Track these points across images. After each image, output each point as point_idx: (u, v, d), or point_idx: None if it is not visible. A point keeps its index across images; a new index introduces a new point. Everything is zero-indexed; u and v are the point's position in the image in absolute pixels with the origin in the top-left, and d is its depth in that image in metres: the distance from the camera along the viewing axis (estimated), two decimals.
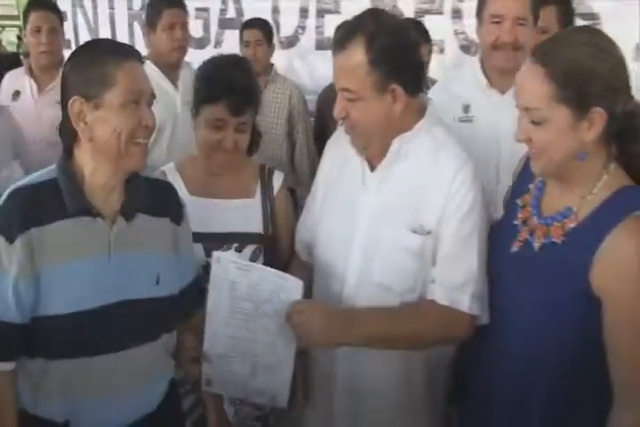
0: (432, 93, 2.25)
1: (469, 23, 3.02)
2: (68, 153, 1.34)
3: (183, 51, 2.71)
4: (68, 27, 4.90)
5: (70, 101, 1.27)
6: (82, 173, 1.32)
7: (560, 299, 1.29)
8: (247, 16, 3.74)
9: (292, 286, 1.46)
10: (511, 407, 1.40)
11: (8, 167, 2.51)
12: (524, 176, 1.47)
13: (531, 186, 1.44)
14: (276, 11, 3.76)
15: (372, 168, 1.53)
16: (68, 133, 1.32)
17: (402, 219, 1.48)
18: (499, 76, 1.99)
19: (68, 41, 4.92)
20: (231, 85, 1.60)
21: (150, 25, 2.69)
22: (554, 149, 1.26)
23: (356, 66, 1.38)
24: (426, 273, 1.49)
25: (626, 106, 1.24)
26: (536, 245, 1.34)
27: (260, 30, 3.32)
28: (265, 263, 1.65)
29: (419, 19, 3.12)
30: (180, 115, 2.57)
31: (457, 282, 1.45)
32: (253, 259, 1.69)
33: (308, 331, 1.41)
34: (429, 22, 3.04)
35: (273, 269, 1.49)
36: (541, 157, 1.29)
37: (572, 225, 1.30)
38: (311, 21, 3.64)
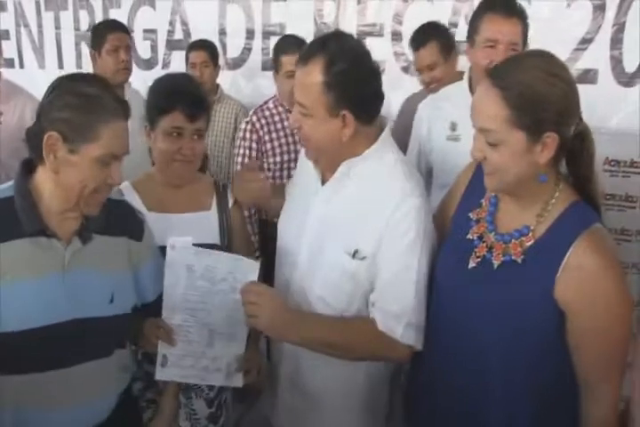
0: (422, 110, 2.31)
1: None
2: (29, 169, 1.32)
3: (128, 72, 2.87)
4: (10, 46, 4.81)
5: (47, 135, 1.24)
6: (40, 193, 1.30)
7: (523, 313, 1.31)
8: (194, 37, 3.76)
9: (248, 267, 1.51)
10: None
11: None
12: (473, 189, 1.49)
13: (483, 201, 1.45)
14: (222, 32, 3.78)
15: (324, 182, 1.57)
16: (36, 151, 1.28)
17: (341, 240, 1.49)
18: None
19: (11, 60, 4.83)
20: (185, 94, 1.67)
21: (95, 49, 2.85)
22: (508, 169, 1.28)
23: (312, 84, 1.39)
24: (361, 295, 1.51)
25: (576, 128, 1.28)
26: (495, 262, 1.35)
27: (206, 51, 3.34)
28: None
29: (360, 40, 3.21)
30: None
31: (393, 311, 1.46)
32: None
33: (256, 314, 1.43)
34: (371, 44, 3.11)
35: (229, 253, 1.55)
36: (495, 175, 1.31)
37: (530, 243, 1.32)
38: (257, 43, 3.69)
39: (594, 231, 1.27)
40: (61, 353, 1.31)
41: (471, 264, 1.39)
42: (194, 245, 1.51)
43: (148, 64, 4.12)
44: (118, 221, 1.44)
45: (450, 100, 2.19)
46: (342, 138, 1.43)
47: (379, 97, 1.47)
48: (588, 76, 2.71)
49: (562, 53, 2.61)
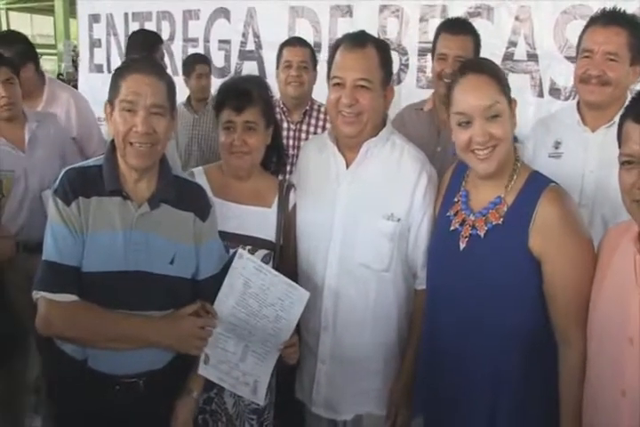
0: (532, 129, 2.19)
1: None
2: (114, 145, 1.51)
3: None
4: (101, 53, 5.00)
5: (105, 103, 1.50)
6: (119, 163, 1.50)
7: (509, 270, 1.45)
8: (265, 49, 3.80)
9: (298, 296, 1.59)
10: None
11: None
12: (451, 190, 1.65)
13: (456, 198, 1.61)
14: None
15: (347, 166, 1.74)
16: None
17: (376, 209, 1.69)
18: (589, 113, 1.95)
19: (100, 66, 5.01)
20: (231, 90, 1.76)
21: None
22: (508, 137, 1.47)
23: (373, 62, 1.67)
24: (397, 253, 1.72)
25: None
26: (481, 233, 1.51)
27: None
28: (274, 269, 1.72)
29: (421, 57, 3.18)
30: None
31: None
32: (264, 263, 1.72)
33: None
34: (431, 61, 3.06)
35: (285, 278, 1.61)
36: (495, 151, 1.45)
37: (505, 208, 1.50)
38: (323, 55, 3.64)
39: (553, 188, 1.47)
40: (127, 298, 1.45)
41: (462, 246, 1.53)
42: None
43: (222, 72, 4.17)
44: (188, 198, 1.56)
45: (558, 120, 2.09)
46: (384, 109, 1.72)
47: None
48: None
49: None
